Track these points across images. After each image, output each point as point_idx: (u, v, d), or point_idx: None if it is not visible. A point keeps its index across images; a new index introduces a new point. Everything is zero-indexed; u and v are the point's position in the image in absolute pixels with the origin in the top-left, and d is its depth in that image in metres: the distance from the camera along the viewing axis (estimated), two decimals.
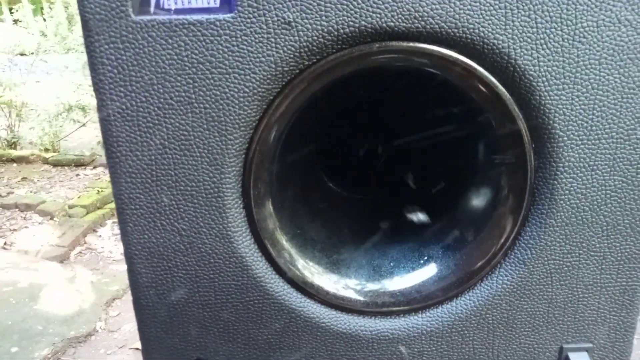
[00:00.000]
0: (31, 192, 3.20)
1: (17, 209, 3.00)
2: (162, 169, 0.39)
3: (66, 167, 3.48)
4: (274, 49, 0.36)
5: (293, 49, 0.36)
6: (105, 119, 0.37)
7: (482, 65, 0.38)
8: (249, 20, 0.35)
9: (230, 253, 0.41)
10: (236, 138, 0.38)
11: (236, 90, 0.37)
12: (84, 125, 3.72)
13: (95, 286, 2.38)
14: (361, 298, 0.45)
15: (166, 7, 0.35)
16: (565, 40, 0.37)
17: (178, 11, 0.35)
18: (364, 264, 0.47)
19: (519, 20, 0.36)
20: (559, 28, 0.36)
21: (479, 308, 0.44)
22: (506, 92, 0.39)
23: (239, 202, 0.40)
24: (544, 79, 0.38)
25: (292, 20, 0.35)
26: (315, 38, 0.36)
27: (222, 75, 0.36)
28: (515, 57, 0.37)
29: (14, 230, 2.87)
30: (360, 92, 0.43)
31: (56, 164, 3.52)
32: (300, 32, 0.36)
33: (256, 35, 0.36)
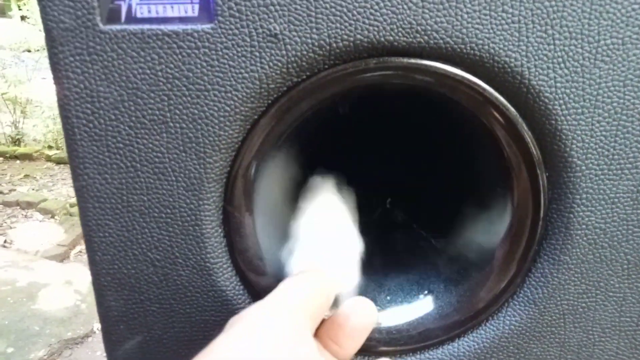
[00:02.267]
0: (33, 189, 3.19)
1: (18, 207, 2.99)
2: (133, 193, 0.35)
3: (69, 165, 3.46)
4: (258, 64, 0.32)
5: (280, 64, 0.32)
6: (71, 138, 0.34)
7: (492, 85, 0.34)
8: (230, 32, 0.32)
9: (209, 286, 0.37)
10: (216, 162, 0.34)
11: (216, 109, 0.33)
12: None
13: None
14: None
15: (138, 15, 0.32)
16: (586, 59, 0.33)
17: (151, 20, 0.32)
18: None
19: (534, 36, 0.32)
20: (579, 45, 0.32)
21: (483, 351, 0.40)
22: (518, 116, 0.35)
23: (219, 230, 0.36)
24: (561, 101, 0.33)
25: (278, 32, 0.32)
26: (305, 53, 0.32)
27: (200, 92, 0.33)
28: (529, 77, 0.33)
29: (15, 228, 2.85)
30: (356, 110, 0.39)
31: (59, 161, 3.51)
32: (288, 46, 0.32)
33: (239, 49, 0.32)
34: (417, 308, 0.42)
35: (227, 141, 0.34)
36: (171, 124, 0.33)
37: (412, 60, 0.33)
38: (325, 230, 0.38)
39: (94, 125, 0.33)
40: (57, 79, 0.32)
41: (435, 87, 0.34)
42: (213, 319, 0.38)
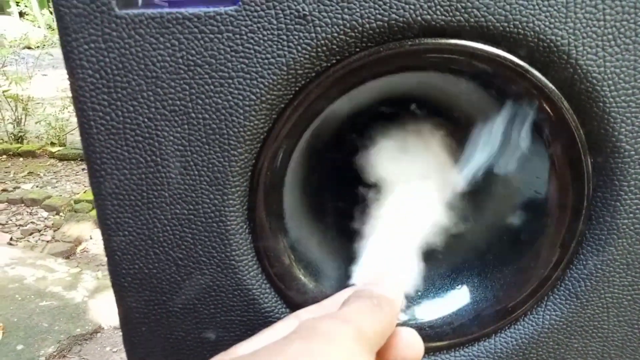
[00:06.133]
0: (37, 186, 3.18)
1: (23, 204, 2.98)
2: (154, 189, 0.33)
3: (72, 162, 3.45)
4: (286, 48, 0.30)
5: (309, 47, 0.30)
6: (87, 132, 0.32)
7: (535, 67, 0.32)
8: (255, 14, 0.29)
9: (234, 285, 0.35)
10: (241, 154, 0.32)
11: (241, 97, 0.31)
12: None
13: (102, 282, 2.35)
14: None
15: None
16: (639, 35, 0.30)
17: (171, 3, 0.29)
18: None
19: (583, 11, 0.30)
20: (632, 20, 0.30)
21: (522, 347, 0.38)
22: (562, 97, 0.32)
23: (245, 227, 0.35)
24: (610, 82, 0.31)
25: (307, 13, 0.29)
26: (336, 35, 0.30)
27: (224, 80, 0.31)
28: (577, 56, 0.31)
29: (20, 225, 2.85)
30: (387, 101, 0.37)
31: (62, 158, 3.49)
32: (318, 28, 0.30)
33: (265, 32, 0.30)
34: (450, 302, 0.40)
35: (253, 132, 0.32)
36: (193, 115, 0.31)
37: (451, 41, 0.30)
38: (395, 239, 0.36)
39: (111, 117, 0.31)
40: (71, 69, 0.30)
41: (474, 69, 0.32)
42: (239, 320, 0.36)
